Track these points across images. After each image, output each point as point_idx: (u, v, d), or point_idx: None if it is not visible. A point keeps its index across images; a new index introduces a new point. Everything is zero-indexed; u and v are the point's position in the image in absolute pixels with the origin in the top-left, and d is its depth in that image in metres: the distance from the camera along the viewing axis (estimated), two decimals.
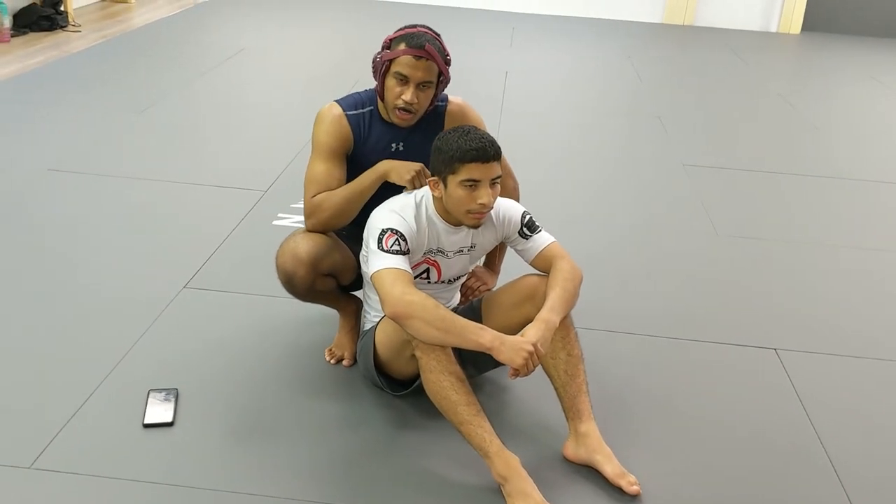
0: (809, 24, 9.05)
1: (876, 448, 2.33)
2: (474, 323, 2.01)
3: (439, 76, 2.29)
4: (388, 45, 2.28)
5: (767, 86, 6.64)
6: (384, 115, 2.36)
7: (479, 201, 2.08)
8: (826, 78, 7.12)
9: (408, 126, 2.34)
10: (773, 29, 9.07)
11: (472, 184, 2.07)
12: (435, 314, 1.96)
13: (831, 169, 4.69)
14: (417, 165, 2.25)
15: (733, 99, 6.16)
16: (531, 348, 1.97)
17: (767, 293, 3.19)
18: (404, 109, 2.28)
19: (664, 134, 5.12)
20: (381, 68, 2.27)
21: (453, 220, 2.19)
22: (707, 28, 9.02)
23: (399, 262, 2.05)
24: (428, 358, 2.02)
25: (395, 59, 2.24)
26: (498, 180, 2.12)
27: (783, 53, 8.19)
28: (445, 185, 2.11)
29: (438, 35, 2.32)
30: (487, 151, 2.06)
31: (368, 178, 2.28)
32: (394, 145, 2.36)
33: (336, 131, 2.33)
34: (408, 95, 2.25)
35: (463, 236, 2.24)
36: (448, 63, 2.31)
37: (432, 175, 2.15)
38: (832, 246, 3.65)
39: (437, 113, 2.40)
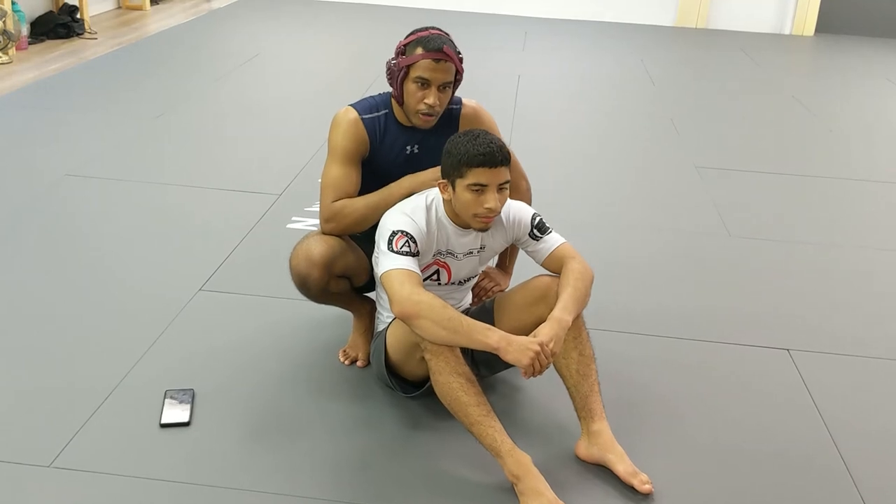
0: (823, 25, 9.02)
1: (890, 449, 2.32)
2: (482, 323, 2.01)
3: (455, 75, 2.31)
4: (403, 50, 2.29)
5: (781, 87, 6.62)
6: (399, 119, 2.38)
7: (486, 206, 2.09)
8: (840, 79, 7.09)
9: (428, 127, 2.35)
10: (787, 31, 9.04)
11: (480, 188, 2.08)
12: (442, 314, 1.98)
13: (845, 170, 4.68)
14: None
15: (746, 101, 6.15)
16: (537, 348, 1.96)
17: (780, 294, 3.19)
18: (427, 113, 2.29)
19: (677, 136, 5.12)
20: (399, 74, 2.28)
21: (462, 223, 2.20)
22: (720, 30, 9.01)
23: (408, 263, 2.07)
24: (437, 360, 2.03)
25: (413, 63, 2.25)
26: (506, 185, 2.12)
27: (797, 55, 8.17)
28: (454, 188, 2.13)
29: (448, 34, 2.34)
30: (495, 156, 2.07)
31: (396, 195, 2.28)
32: (409, 148, 2.38)
33: (352, 135, 2.34)
34: (431, 99, 2.26)
35: (472, 238, 2.26)
36: (461, 60, 2.33)
37: (442, 178, 2.17)
38: (845, 247, 3.65)
39: (451, 116, 2.42)
